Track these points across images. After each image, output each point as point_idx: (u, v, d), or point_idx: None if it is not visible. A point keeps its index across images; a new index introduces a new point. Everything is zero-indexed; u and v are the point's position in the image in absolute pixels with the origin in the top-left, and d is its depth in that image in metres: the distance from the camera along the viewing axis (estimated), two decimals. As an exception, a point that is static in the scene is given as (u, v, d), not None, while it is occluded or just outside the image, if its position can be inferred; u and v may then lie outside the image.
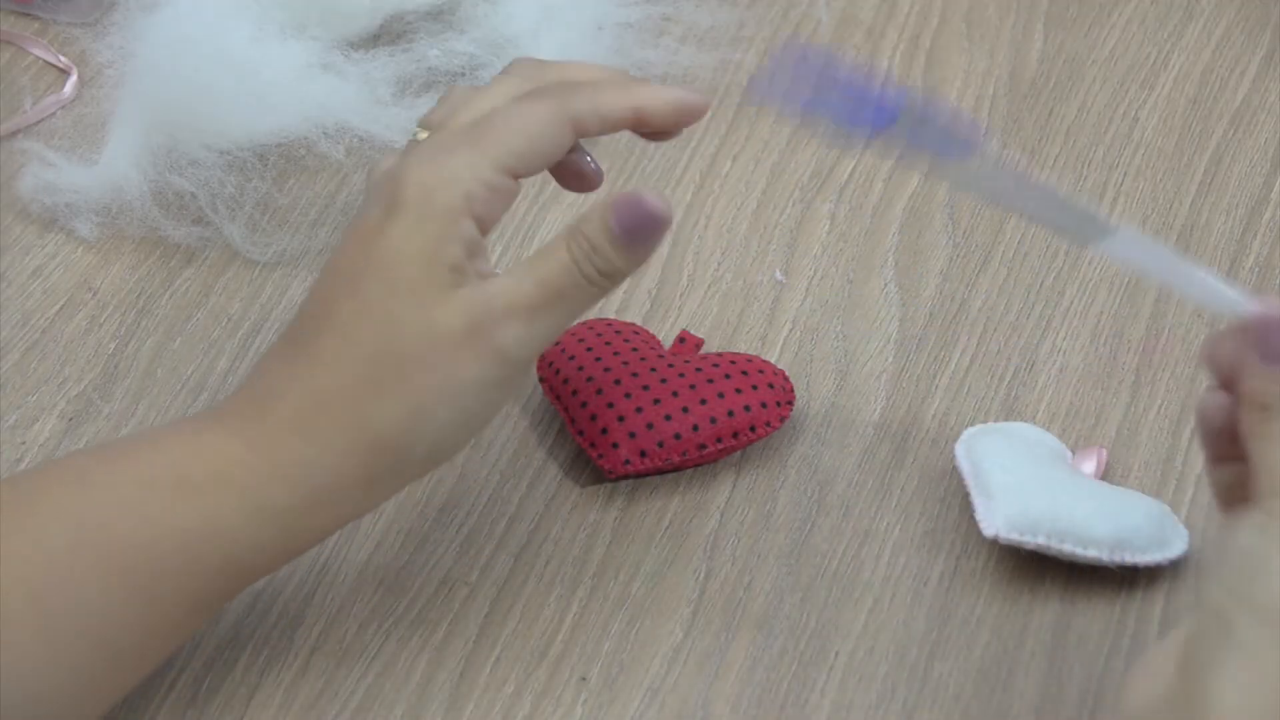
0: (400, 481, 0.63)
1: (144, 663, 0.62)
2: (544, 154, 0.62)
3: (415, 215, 0.60)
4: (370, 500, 0.64)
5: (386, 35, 0.88)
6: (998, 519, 0.69)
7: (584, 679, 0.68)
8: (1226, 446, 0.57)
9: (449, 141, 0.61)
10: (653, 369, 0.73)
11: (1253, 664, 0.52)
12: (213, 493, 0.60)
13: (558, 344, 0.75)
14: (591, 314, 0.78)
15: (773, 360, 0.77)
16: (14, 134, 0.85)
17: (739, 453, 0.74)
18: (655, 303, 0.80)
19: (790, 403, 0.74)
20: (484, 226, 0.61)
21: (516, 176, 0.61)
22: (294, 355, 0.61)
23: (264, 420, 0.60)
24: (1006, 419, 0.76)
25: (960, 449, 0.72)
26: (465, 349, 0.60)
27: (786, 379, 0.75)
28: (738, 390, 0.73)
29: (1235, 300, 0.57)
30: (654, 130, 0.65)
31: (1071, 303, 0.80)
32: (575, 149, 0.65)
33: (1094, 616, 0.69)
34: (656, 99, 0.64)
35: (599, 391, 0.72)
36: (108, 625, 0.59)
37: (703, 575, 0.71)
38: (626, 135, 0.86)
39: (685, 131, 0.86)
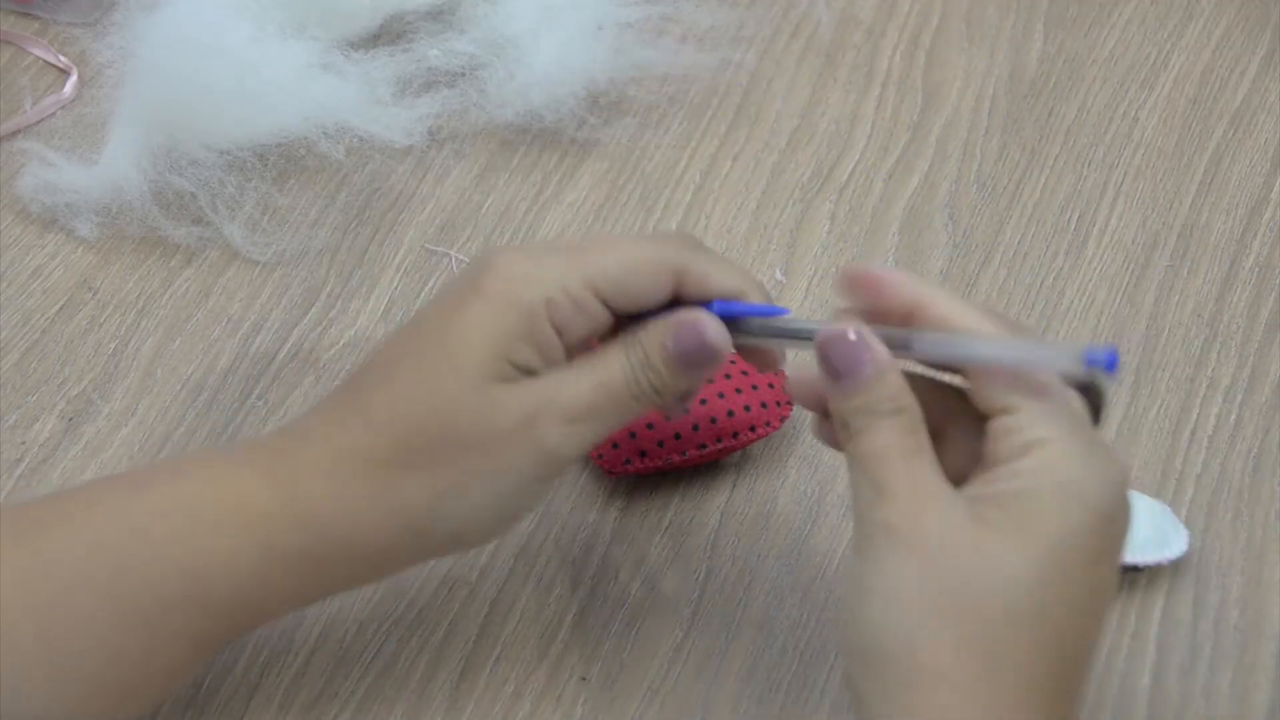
0: (420, 556, 0.63)
1: (149, 695, 0.61)
2: (636, 290, 0.61)
3: (495, 305, 0.60)
4: (387, 567, 0.63)
5: (386, 35, 0.88)
6: (998, 519, 0.69)
7: (584, 679, 0.68)
8: None
9: (550, 246, 0.62)
10: (653, 369, 0.73)
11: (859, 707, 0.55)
12: (227, 532, 0.60)
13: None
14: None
15: (773, 360, 0.77)
16: (14, 134, 0.85)
17: (739, 453, 0.74)
18: (655, 303, 0.80)
19: (790, 403, 0.74)
20: (566, 339, 0.60)
21: (606, 302, 0.61)
22: (347, 405, 0.61)
23: (296, 462, 0.60)
24: (1006, 419, 0.76)
25: (960, 449, 0.72)
26: (514, 441, 0.59)
27: (786, 379, 0.75)
28: (737, 390, 0.73)
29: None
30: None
31: (1071, 303, 0.80)
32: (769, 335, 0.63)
33: (1094, 616, 0.69)
34: (754, 294, 0.63)
35: (599, 391, 0.72)
36: (111, 656, 0.59)
37: (703, 575, 0.71)
38: (627, 134, 0.86)
39: (685, 131, 0.87)
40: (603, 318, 0.61)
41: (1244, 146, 0.87)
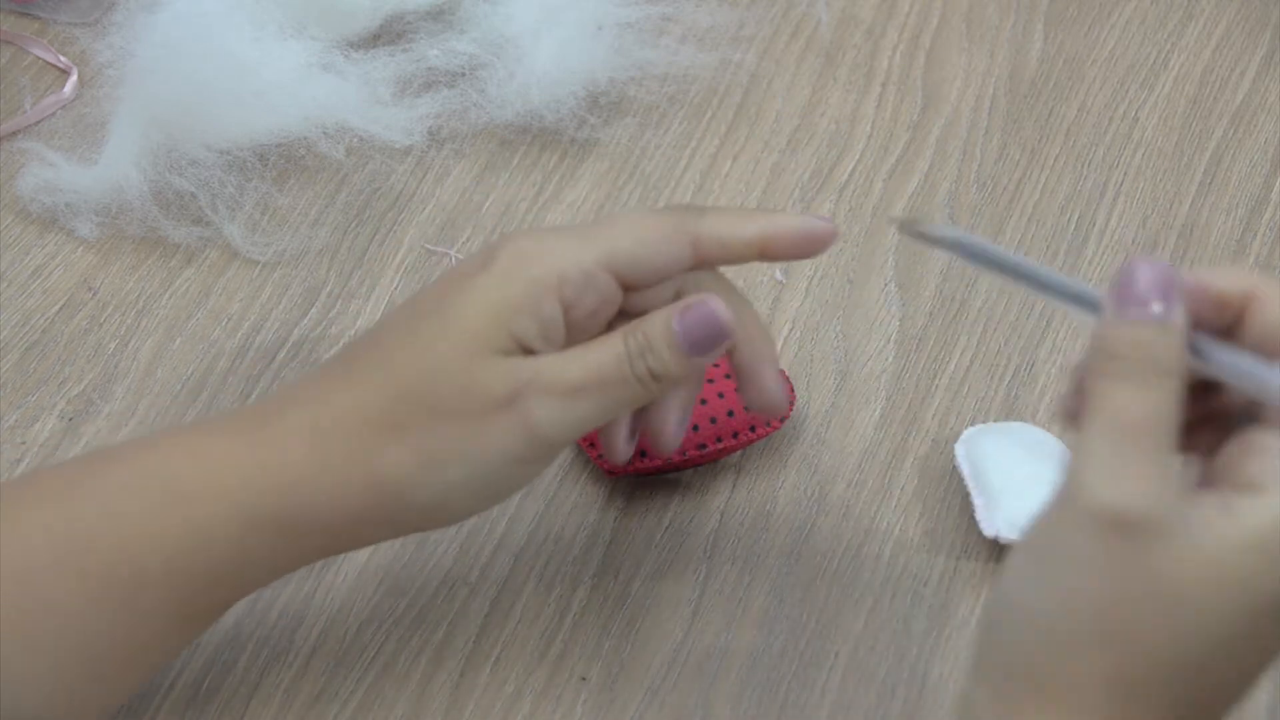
0: (395, 528, 0.62)
1: (132, 675, 0.60)
2: (655, 263, 0.60)
3: (501, 277, 0.58)
4: (365, 536, 0.62)
5: (386, 35, 0.88)
6: (998, 519, 0.69)
7: (584, 679, 0.68)
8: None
9: (564, 228, 0.60)
10: (653, 369, 0.73)
11: None
12: (203, 501, 0.58)
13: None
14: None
15: (773, 360, 0.77)
16: (14, 134, 0.85)
17: (739, 453, 0.74)
18: (655, 303, 0.80)
19: (790, 403, 0.74)
20: (572, 318, 0.59)
21: (621, 279, 0.59)
22: (334, 373, 0.60)
23: (277, 427, 0.59)
24: (1006, 419, 0.76)
25: (960, 449, 0.72)
26: (497, 415, 0.58)
27: (787, 379, 0.75)
28: (738, 390, 0.73)
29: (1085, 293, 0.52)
30: (781, 258, 0.62)
31: (1071, 303, 0.80)
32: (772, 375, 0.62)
33: (1094, 616, 0.69)
34: (785, 227, 0.60)
35: (599, 391, 0.72)
36: (91, 637, 0.58)
37: (703, 575, 0.71)
38: (627, 134, 0.86)
39: (685, 131, 0.87)
40: (614, 296, 0.59)
41: (1244, 146, 0.87)
